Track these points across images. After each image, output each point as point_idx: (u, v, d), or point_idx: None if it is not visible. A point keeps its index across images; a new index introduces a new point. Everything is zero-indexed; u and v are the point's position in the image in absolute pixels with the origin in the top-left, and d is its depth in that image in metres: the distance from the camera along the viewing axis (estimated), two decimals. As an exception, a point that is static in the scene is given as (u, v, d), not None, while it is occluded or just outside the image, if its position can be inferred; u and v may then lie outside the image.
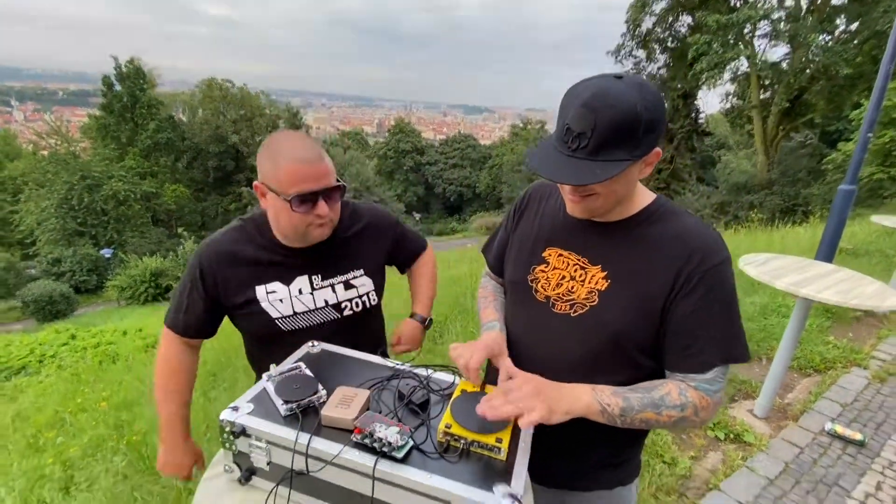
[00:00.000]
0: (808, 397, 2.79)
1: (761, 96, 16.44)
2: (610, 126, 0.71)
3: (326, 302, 1.14)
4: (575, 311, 0.88)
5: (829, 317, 3.85)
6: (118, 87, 29.13)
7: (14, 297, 19.23)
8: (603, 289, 0.86)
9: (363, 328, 1.23)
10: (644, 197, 0.88)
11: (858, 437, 2.37)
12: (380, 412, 0.84)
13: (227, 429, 0.80)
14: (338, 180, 1.04)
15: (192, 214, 32.89)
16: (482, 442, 0.77)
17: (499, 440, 0.77)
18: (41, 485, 2.75)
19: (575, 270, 0.90)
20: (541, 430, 0.83)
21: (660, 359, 0.86)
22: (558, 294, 0.91)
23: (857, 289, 2.18)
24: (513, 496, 0.69)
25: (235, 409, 0.83)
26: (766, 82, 16.23)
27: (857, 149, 3.71)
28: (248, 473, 0.83)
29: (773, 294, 4.02)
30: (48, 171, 23.61)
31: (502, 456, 0.77)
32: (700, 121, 19.37)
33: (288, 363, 0.97)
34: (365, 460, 0.73)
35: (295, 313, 1.11)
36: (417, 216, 36.36)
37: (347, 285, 1.17)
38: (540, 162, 0.78)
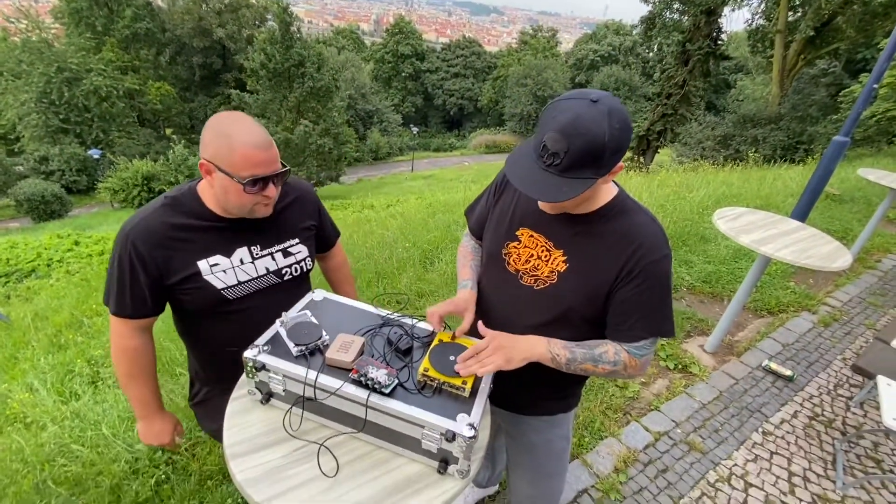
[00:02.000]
0: (755, 336, 3.13)
1: (789, 18, 15.27)
2: (580, 152, 0.83)
3: (268, 269, 1.23)
4: (538, 286, 1.06)
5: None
6: (86, -36, 26.16)
7: (6, 195, 19.12)
8: (562, 270, 1.03)
9: (301, 290, 1.33)
10: (606, 194, 1.02)
11: (788, 373, 2.73)
12: (372, 356, 1.05)
13: (250, 364, 1.01)
14: (283, 164, 1.11)
15: (180, 116, 31.50)
16: (451, 383, 0.99)
17: (464, 382, 0.99)
18: (70, 379, 3.10)
19: (541, 251, 1.06)
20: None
21: (602, 329, 1.05)
22: (526, 269, 1.08)
23: (813, 248, 2.38)
24: (470, 424, 0.91)
25: (255, 348, 1.03)
26: (797, 2, 14.98)
27: (858, 101, 3.66)
28: (268, 396, 1.05)
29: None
30: (22, 60, 22.04)
31: (466, 394, 0.99)
32: (720, 42, 18.16)
33: (295, 310, 1.16)
34: (360, 393, 0.95)
35: (239, 282, 1.18)
36: (415, 129, 35.04)
37: (286, 253, 1.26)
38: (516, 171, 0.92)
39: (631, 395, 2.52)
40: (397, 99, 43.30)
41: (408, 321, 1.19)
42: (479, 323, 1.06)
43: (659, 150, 20.06)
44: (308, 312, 1.15)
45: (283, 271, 1.26)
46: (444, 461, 0.94)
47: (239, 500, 1.82)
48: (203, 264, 1.13)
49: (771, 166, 9.04)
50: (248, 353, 1.01)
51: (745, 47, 22.81)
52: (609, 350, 1.01)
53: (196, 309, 1.19)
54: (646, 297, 0.98)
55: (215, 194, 1.11)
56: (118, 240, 1.10)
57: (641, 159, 19.63)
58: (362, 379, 0.96)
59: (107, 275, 1.16)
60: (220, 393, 1.11)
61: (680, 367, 2.77)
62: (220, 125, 1.05)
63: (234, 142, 1.02)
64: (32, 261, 6.85)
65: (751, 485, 2.09)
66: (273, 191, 1.10)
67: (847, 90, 13.55)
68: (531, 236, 1.08)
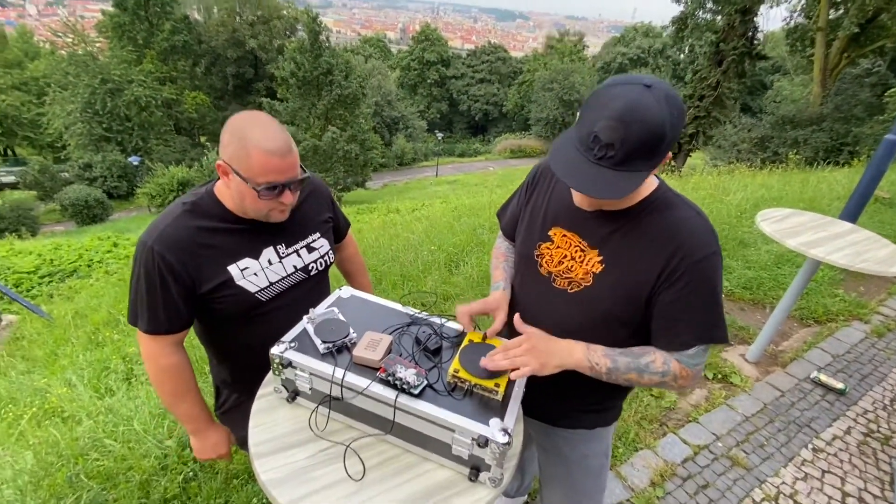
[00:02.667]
0: (802, 346, 2.94)
1: (830, 16, 14.61)
2: (638, 141, 0.75)
3: (295, 267, 1.21)
4: (572, 289, 0.99)
5: (843, 269, 3.86)
6: (129, -19, 27.63)
7: (52, 200, 20.21)
8: (597, 271, 0.96)
9: (324, 285, 1.35)
10: (646, 187, 0.93)
11: (840, 385, 2.54)
12: (400, 355, 1.01)
13: (277, 361, 0.98)
14: (303, 169, 1.09)
15: (214, 124, 32.72)
16: (483, 385, 0.93)
17: (497, 385, 0.93)
18: (106, 375, 3.19)
19: (575, 251, 0.99)
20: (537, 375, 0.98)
21: (643, 335, 0.96)
22: (559, 271, 1.01)
23: (868, 252, 2.21)
24: (504, 429, 0.86)
25: (282, 344, 1.00)
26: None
27: (913, 96, 3.42)
28: (294, 395, 1.02)
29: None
30: (69, 72, 23.38)
31: (499, 397, 0.93)
32: (756, 42, 17.52)
33: (323, 307, 1.13)
34: (388, 394, 0.91)
35: (270, 283, 1.16)
36: (440, 135, 35.18)
37: (310, 248, 1.25)
38: (562, 165, 0.83)
39: (667, 405, 2.39)
40: (423, 105, 43.64)
41: (436, 320, 1.15)
42: (516, 316, 0.99)
43: (691, 154, 19.48)
44: (335, 309, 1.12)
45: (310, 267, 1.25)
46: (476, 468, 0.89)
47: (264, 499, 1.81)
48: (234, 269, 1.11)
49: (813, 169, 8.61)
50: (275, 350, 0.98)
51: (782, 47, 21.98)
52: (657, 359, 0.92)
53: (228, 315, 1.15)
54: (692, 299, 0.89)
55: (232, 196, 1.08)
56: (140, 254, 1.04)
57: (673, 162, 19.09)
58: (390, 378, 0.92)
59: (130, 294, 1.09)
60: (251, 398, 1.07)
61: (720, 376, 2.62)
62: (239, 127, 1.00)
63: (250, 147, 0.98)
64: (74, 262, 7.19)
65: (801, 505, 1.94)
66: (289, 197, 1.07)
67: (894, 90, 12.84)
68: (564, 236, 1.02)
